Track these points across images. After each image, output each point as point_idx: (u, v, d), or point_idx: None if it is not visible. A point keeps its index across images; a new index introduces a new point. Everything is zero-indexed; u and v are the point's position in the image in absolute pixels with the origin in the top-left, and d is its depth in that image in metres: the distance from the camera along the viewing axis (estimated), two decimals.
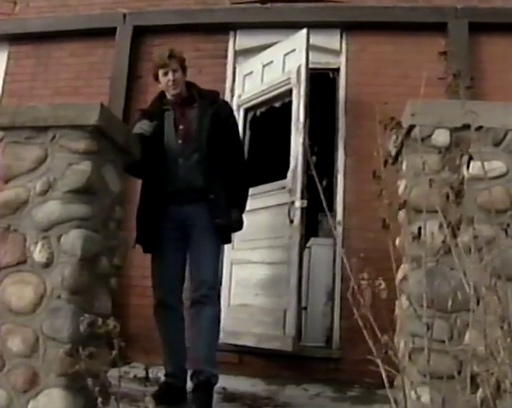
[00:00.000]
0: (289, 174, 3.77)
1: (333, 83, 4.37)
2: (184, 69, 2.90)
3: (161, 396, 2.57)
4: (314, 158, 1.42)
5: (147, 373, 3.13)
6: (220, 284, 3.45)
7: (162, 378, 2.84)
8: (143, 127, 2.79)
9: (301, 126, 3.72)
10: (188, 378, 2.76)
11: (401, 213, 2.05)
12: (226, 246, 3.21)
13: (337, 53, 4.35)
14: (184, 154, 2.78)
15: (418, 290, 1.73)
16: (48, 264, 1.97)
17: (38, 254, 1.97)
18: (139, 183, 2.93)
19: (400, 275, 2.01)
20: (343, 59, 4.33)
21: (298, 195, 3.62)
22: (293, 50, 3.99)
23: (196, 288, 2.72)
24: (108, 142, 2.17)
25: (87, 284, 2.01)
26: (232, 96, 4.39)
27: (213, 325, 2.73)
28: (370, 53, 4.27)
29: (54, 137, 2.08)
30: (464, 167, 1.54)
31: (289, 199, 3.68)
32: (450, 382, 1.37)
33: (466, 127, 1.78)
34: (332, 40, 4.35)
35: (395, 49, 4.22)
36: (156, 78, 2.90)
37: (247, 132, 4.38)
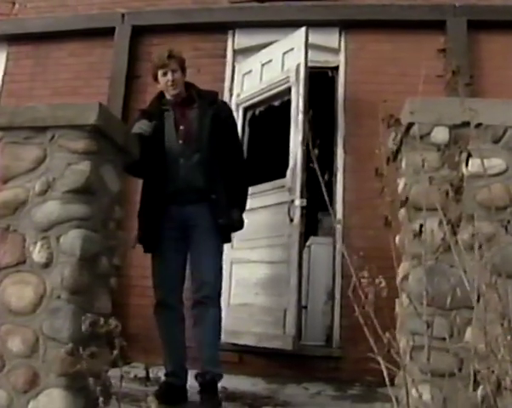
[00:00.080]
0: (288, 173, 3.77)
1: (332, 82, 4.37)
2: (183, 69, 2.90)
3: (161, 395, 2.59)
4: (316, 151, 1.41)
5: (147, 373, 3.13)
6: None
7: (163, 378, 2.84)
8: (142, 126, 2.78)
9: (300, 124, 3.72)
10: (190, 378, 2.76)
11: (402, 211, 2.05)
12: (226, 246, 3.20)
13: (336, 51, 4.35)
14: (185, 154, 2.78)
15: (418, 288, 1.73)
16: (47, 264, 1.97)
17: (38, 254, 1.97)
18: (139, 183, 2.93)
19: (400, 273, 2.01)
20: (342, 57, 4.33)
21: (298, 193, 3.62)
22: (292, 49, 3.99)
23: (197, 289, 2.73)
24: (107, 142, 2.16)
25: (86, 284, 2.01)
26: (231, 95, 4.39)
27: (216, 325, 2.75)
28: (369, 51, 4.27)
29: (52, 137, 2.07)
30: (464, 165, 1.54)
31: (289, 198, 3.68)
32: (451, 380, 1.37)
33: (465, 124, 1.78)
34: (330, 38, 4.35)
35: (393, 47, 4.22)
36: (156, 78, 2.90)
37: (246, 131, 4.37)
